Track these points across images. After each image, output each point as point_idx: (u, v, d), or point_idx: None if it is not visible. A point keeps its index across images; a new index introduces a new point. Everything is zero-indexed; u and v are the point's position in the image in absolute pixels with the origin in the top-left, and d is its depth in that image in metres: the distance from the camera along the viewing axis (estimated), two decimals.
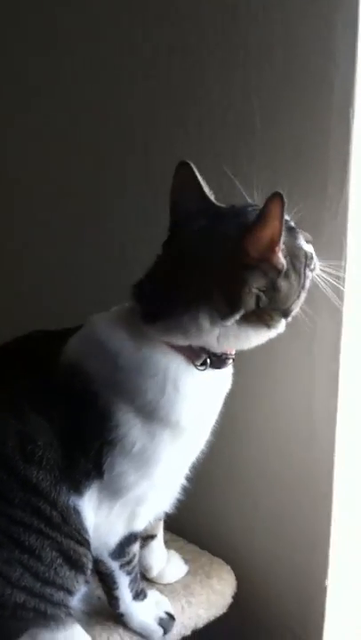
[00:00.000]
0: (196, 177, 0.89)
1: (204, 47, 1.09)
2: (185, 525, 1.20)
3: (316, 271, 0.89)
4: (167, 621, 1.02)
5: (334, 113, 0.93)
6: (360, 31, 0.88)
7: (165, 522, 1.12)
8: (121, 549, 0.95)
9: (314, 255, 0.89)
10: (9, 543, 0.88)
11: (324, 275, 0.90)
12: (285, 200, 0.78)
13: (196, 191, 0.89)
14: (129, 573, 0.97)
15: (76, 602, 0.96)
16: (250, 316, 0.84)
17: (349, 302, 0.99)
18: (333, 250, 0.97)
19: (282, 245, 0.82)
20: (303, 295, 0.88)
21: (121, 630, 1.01)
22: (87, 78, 1.33)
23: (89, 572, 0.93)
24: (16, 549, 0.88)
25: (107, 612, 1.01)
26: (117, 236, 1.26)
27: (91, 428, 0.87)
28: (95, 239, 1.33)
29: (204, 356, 0.87)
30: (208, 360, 0.88)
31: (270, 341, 0.89)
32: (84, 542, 0.91)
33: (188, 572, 1.13)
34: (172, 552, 1.14)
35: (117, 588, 0.98)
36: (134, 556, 0.98)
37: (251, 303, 0.83)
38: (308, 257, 0.88)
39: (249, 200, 0.89)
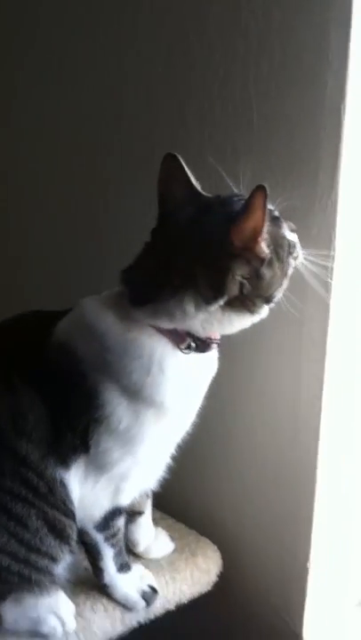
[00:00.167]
0: (182, 168, 0.91)
1: (205, 41, 1.11)
2: (174, 505, 1.24)
3: (300, 259, 0.92)
4: (150, 595, 1.06)
5: (327, 106, 0.96)
6: (352, 29, 0.90)
7: (155, 500, 1.16)
8: (105, 523, 0.99)
9: (297, 244, 0.91)
10: None
11: (309, 264, 0.93)
12: (268, 192, 0.81)
13: (184, 181, 0.92)
14: (113, 546, 1.01)
15: (61, 571, 1.00)
16: (233, 302, 0.87)
17: (337, 292, 1.01)
18: (323, 240, 0.99)
19: (265, 235, 0.85)
20: (286, 282, 0.91)
21: (105, 600, 1.05)
22: (89, 72, 1.36)
23: (73, 542, 0.97)
24: (3, 516, 0.92)
25: (92, 582, 1.05)
26: (115, 225, 1.30)
27: (78, 405, 0.91)
28: (93, 229, 1.38)
29: (188, 340, 0.91)
30: (193, 344, 0.91)
31: (260, 327, 0.92)
32: (70, 513, 0.95)
33: (175, 550, 1.17)
34: (160, 529, 1.18)
35: (102, 560, 1.02)
36: (119, 529, 1.02)
37: (234, 290, 0.87)
38: (290, 245, 0.90)
39: (235, 190, 0.92)
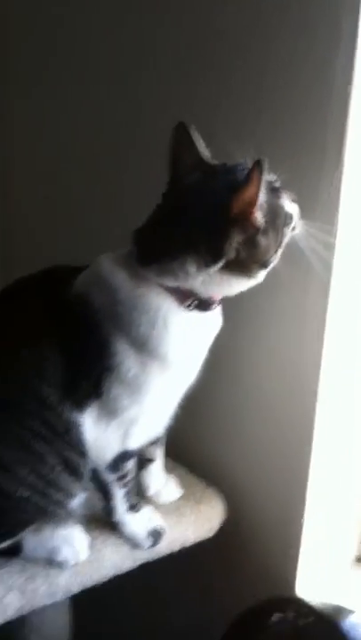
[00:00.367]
0: (190, 136, 0.99)
1: (218, 22, 1.18)
2: (186, 456, 1.33)
3: (297, 230, 1.00)
4: (157, 534, 1.16)
5: (335, 88, 1.02)
6: None
7: (169, 450, 1.26)
8: (116, 464, 1.08)
9: (294, 215, 0.99)
10: (19, 447, 1.02)
11: (309, 237, 1.00)
12: (267, 165, 0.89)
13: (193, 149, 0.99)
14: (123, 487, 1.11)
15: (76, 506, 1.10)
16: (231, 266, 0.95)
17: (339, 267, 1.08)
18: (326, 215, 1.05)
19: (263, 205, 0.93)
20: (280, 250, 0.98)
21: (115, 536, 1.14)
22: (102, 65, 1.45)
23: (86, 480, 1.07)
24: (25, 452, 1.02)
25: (104, 519, 1.15)
26: (134, 191, 1.38)
27: (93, 354, 1.00)
28: (110, 193, 1.47)
29: (191, 299, 0.99)
30: (195, 302, 1.00)
31: (267, 283, 1.00)
32: (83, 453, 1.05)
33: (182, 497, 1.26)
34: (170, 477, 1.27)
35: (112, 499, 1.12)
36: (128, 472, 1.11)
37: (231, 254, 0.94)
38: (287, 216, 0.98)
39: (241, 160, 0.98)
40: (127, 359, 1.00)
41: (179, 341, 1.00)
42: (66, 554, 1.09)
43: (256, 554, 1.28)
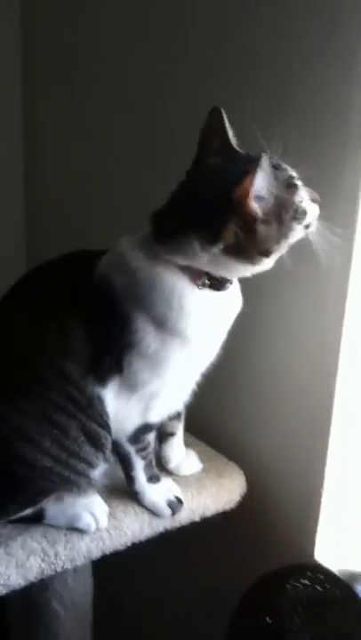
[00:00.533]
0: (223, 121, 1.01)
1: (248, 27, 1.21)
2: (207, 431, 1.37)
3: (312, 229, 1.01)
4: (176, 504, 1.19)
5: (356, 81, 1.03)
6: None
7: (191, 427, 1.29)
8: (136, 436, 1.12)
9: (310, 213, 1.00)
10: (44, 419, 1.06)
11: (322, 238, 1.01)
12: (266, 162, 0.93)
13: (223, 134, 1.01)
14: (144, 458, 1.14)
15: (97, 476, 1.14)
16: (233, 250, 0.98)
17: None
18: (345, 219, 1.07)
19: (267, 196, 0.95)
20: (285, 242, 1.00)
21: (135, 505, 1.18)
22: (132, 60, 1.48)
23: (107, 451, 1.11)
24: (49, 424, 1.06)
25: (125, 489, 1.18)
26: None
27: (115, 331, 1.03)
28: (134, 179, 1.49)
29: (204, 278, 1.02)
30: (208, 281, 1.02)
31: (287, 273, 1.02)
32: (105, 425, 1.09)
33: (203, 470, 1.29)
34: (191, 451, 1.30)
35: (133, 470, 1.15)
36: (149, 444, 1.14)
37: (230, 238, 0.97)
38: (299, 212, 0.99)
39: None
40: (147, 336, 1.03)
41: (196, 319, 1.02)
42: (86, 521, 1.13)
43: (276, 524, 1.31)
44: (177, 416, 1.22)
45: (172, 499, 1.19)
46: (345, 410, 1.19)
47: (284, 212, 0.98)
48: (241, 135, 1.03)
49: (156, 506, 1.18)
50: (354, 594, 1.13)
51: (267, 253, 0.99)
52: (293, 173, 0.99)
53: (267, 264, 1.01)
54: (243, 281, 1.09)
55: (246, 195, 0.94)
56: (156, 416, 1.12)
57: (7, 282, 1.13)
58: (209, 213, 0.97)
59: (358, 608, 1.11)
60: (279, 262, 1.03)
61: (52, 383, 1.05)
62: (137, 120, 1.50)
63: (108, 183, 1.62)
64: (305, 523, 1.25)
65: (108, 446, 1.11)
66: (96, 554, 1.14)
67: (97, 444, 1.09)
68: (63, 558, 1.11)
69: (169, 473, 1.27)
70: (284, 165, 1.00)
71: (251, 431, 1.35)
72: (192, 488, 1.24)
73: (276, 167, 0.98)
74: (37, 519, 1.13)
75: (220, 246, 0.98)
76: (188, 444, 1.30)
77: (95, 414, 1.07)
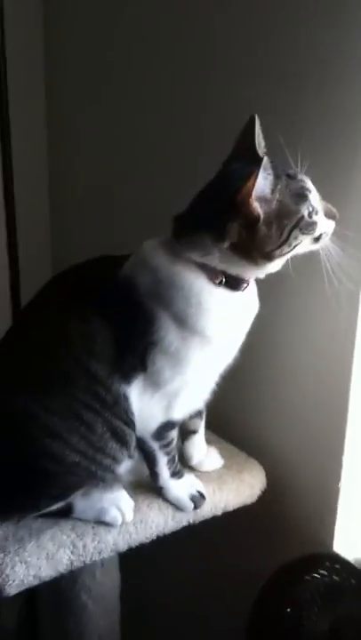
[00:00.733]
0: (255, 128, 1.06)
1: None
2: (229, 429, 1.41)
3: (322, 244, 1.06)
4: (198, 499, 1.23)
5: None
6: None
7: (213, 425, 1.34)
8: (160, 433, 1.16)
9: (319, 227, 1.04)
10: (71, 416, 1.10)
11: (332, 257, 1.06)
12: (268, 165, 0.98)
13: (252, 139, 1.06)
14: (167, 454, 1.19)
15: (123, 472, 1.18)
16: (238, 248, 1.03)
17: None
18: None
19: (270, 199, 1.00)
20: (286, 249, 1.04)
21: (160, 500, 1.23)
22: (165, 65, 1.52)
23: (132, 447, 1.15)
24: (76, 422, 1.10)
25: (150, 485, 1.23)
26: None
27: (138, 330, 1.08)
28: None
29: (221, 277, 1.06)
30: (224, 280, 1.06)
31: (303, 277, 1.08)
32: (130, 423, 1.13)
33: (224, 466, 1.33)
34: (212, 448, 1.34)
35: (157, 465, 1.19)
36: (172, 440, 1.19)
37: (234, 235, 1.02)
38: (302, 221, 1.02)
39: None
40: (169, 334, 1.07)
41: (214, 318, 1.07)
42: (113, 515, 1.18)
43: (295, 517, 1.35)
44: (198, 414, 1.27)
45: (195, 493, 1.24)
46: (360, 404, 1.22)
47: (285, 219, 1.02)
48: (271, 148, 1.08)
49: (180, 500, 1.23)
50: None
51: (269, 257, 1.04)
52: (308, 186, 1.04)
53: (272, 267, 1.06)
54: (262, 281, 1.13)
55: (249, 194, 0.98)
56: (178, 413, 1.16)
57: (32, 280, 1.17)
58: (218, 212, 1.03)
59: None
60: (296, 264, 1.07)
61: (79, 382, 1.10)
62: (165, 122, 1.54)
63: (133, 186, 1.66)
64: (323, 515, 1.29)
65: (133, 442, 1.15)
66: (122, 546, 1.19)
67: (122, 440, 1.14)
68: (91, 550, 1.15)
69: (191, 469, 1.31)
70: (301, 177, 1.04)
71: (270, 428, 1.39)
72: (214, 483, 1.29)
73: (290, 177, 1.03)
74: (66, 513, 1.18)
75: (227, 244, 1.03)
76: (209, 442, 1.35)
77: (120, 412, 1.12)
